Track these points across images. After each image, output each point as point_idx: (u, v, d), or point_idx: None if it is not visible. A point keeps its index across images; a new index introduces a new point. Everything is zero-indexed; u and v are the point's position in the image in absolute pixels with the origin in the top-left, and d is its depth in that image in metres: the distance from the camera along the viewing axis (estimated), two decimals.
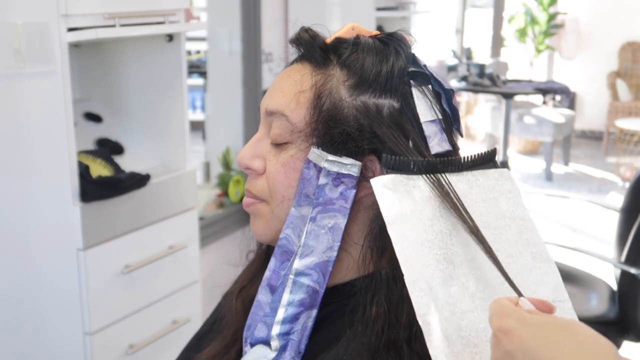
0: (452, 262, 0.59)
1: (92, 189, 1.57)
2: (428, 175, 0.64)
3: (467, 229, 0.60)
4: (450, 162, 0.65)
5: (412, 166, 0.63)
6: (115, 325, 1.69)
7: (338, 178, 0.69)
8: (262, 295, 0.74)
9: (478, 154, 0.66)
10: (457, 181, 0.64)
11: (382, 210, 0.60)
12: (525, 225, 0.63)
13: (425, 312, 0.56)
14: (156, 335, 1.81)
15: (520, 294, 0.54)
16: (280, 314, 0.70)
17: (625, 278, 2.00)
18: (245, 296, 0.83)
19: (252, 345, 0.72)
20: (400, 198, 0.61)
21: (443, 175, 0.64)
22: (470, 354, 0.55)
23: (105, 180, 1.62)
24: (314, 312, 0.70)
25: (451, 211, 0.61)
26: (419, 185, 0.63)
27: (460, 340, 0.55)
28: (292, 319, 0.70)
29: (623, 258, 2.01)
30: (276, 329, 0.70)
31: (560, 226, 4.49)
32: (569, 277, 2.28)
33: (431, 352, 0.55)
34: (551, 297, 0.59)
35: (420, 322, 0.55)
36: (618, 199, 4.76)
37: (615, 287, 2.15)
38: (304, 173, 0.70)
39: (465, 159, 0.66)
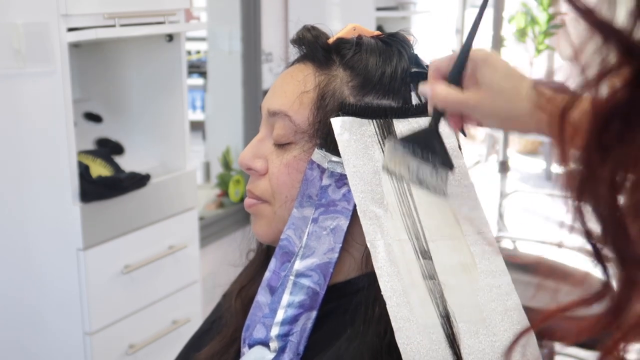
0: (394, 200, 0.67)
1: (92, 189, 1.57)
2: (377, 120, 0.70)
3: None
4: (398, 109, 0.71)
5: (364, 111, 0.70)
6: (115, 325, 1.69)
7: (341, 179, 0.69)
8: (262, 296, 0.73)
9: (423, 103, 0.73)
10: (402, 126, 0.70)
11: (339, 147, 0.68)
12: (454, 155, 0.70)
13: (373, 238, 0.65)
14: (156, 335, 1.81)
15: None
16: (280, 315, 0.69)
17: None
18: (244, 296, 0.83)
19: (250, 346, 0.72)
20: (356, 139, 0.68)
21: (390, 120, 0.70)
22: (407, 271, 0.64)
23: (105, 180, 1.62)
24: (314, 314, 0.70)
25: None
26: (370, 129, 0.70)
27: (399, 261, 0.64)
28: (292, 321, 0.69)
29: None
30: (275, 330, 0.69)
31: (560, 226, 4.48)
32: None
33: (377, 271, 0.64)
34: (467, 214, 0.69)
35: (368, 246, 0.64)
36: None
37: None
38: (307, 174, 0.70)
39: (411, 107, 0.72)
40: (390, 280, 0.63)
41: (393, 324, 0.61)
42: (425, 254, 0.65)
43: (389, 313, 0.62)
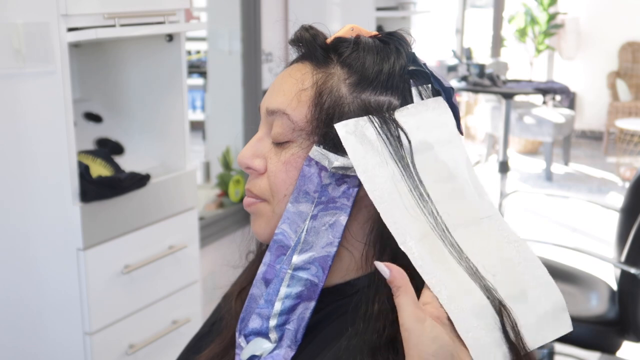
0: (409, 193, 0.68)
1: (92, 189, 1.57)
2: (372, 117, 0.69)
3: (401, 169, 0.68)
4: (395, 105, 0.71)
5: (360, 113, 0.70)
6: (115, 325, 1.69)
7: (342, 178, 0.69)
8: (257, 289, 0.74)
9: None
10: (402, 116, 0.70)
11: (348, 153, 0.67)
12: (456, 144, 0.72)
13: (403, 240, 0.65)
14: (156, 335, 1.81)
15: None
16: (278, 306, 0.70)
17: (625, 278, 2.00)
18: (244, 298, 0.83)
19: (246, 336, 0.73)
20: (362, 141, 0.68)
21: (389, 113, 0.70)
22: (444, 261, 0.65)
23: (105, 180, 1.62)
24: (312, 304, 0.71)
25: (391, 152, 0.69)
26: (368, 126, 0.69)
27: (432, 255, 0.65)
28: (289, 311, 0.70)
29: (623, 258, 2.01)
30: (273, 322, 0.70)
31: (560, 226, 4.49)
32: (569, 277, 2.28)
33: (419, 270, 0.64)
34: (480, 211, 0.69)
35: (402, 249, 0.64)
36: (618, 199, 4.76)
37: (615, 287, 2.15)
38: (305, 170, 0.71)
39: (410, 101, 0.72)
40: (435, 274, 0.64)
41: (451, 316, 0.62)
42: (452, 244, 0.66)
43: (444, 306, 0.62)
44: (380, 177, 0.67)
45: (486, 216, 0.69)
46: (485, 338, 0.61)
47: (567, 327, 0.67)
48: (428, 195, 0.68)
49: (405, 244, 0.65)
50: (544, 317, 0.65)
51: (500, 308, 0.63)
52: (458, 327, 0.61)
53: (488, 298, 0.63)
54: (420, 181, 0.68)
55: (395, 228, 0.65)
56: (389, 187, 0.67)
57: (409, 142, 0.69)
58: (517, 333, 0.63)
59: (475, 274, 0.65)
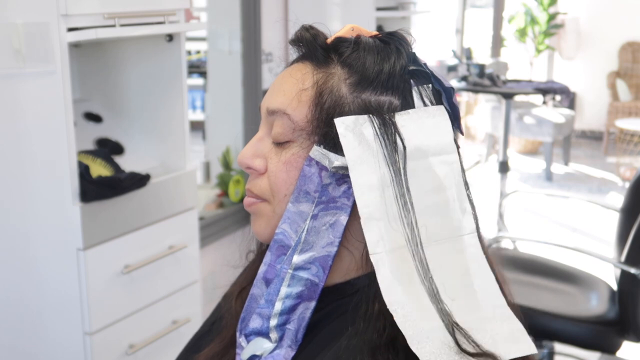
0: (394, 200, 0.67)
1: (92, 189, 1.57)
2: (373, 116, 0.69)
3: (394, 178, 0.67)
4: (396, 106, 0.70)
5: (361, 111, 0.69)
6: (115, 325, 1.69)
7: (342, 178, 0.69)
8: (257, 289, 0.74)
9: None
10: (403, 120, 0.69)
11: (344, 151, 0.67)
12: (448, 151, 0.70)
13: (374, 250, 0.65)
14: (156, 335, 1.81)
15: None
16: (278, 306, 0.70)
17: (625, 278, 2.00)
18: (244, 297, 0.83)
19: (247, 336, 0.73)
20: (360, 140, 0.67)
21: (390, 115, 0.69)
22: (409, 279, 0.65)
23: (105, 180, 1.62)
24: (312, 304, 0.71)
25: (386, 157, 0.68)
26: (367, 125, 0.68)
27: (398, 272, 0.65)
28: (289, 311, 0.71)
29: (623, 258, 2.01)
30: (274, 321, 0.71)
31: (560, 226, 4.49)
32: (569, 277, 2.28)
33: (380, 285, 0.64)
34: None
35: (372, 259, 0.65)
36: (618, 199, 4.76)
37: (615, 287, 2.15)
38: (305, 170, 0.71)
39: (411, 102, 0.71)
40: (395, 293, 0.64)
41: (404, 333, 0.62)
42: (421, 260, 0.66)
43: (399, 325, 0.62)
44: (371, 181, 0.67)
45: (462, 235, 0.69)
46: (439, 354, 0.62)
47: (530, 349, 0.65)
48: (412, 205, 0.67)
49: (376, 254, 0.65)
50: (503, 339, 0.64)
51: (453, 329, 0.63)
52: (410, 340, 0.61)
53: (443, 321, 0.63)
54: (408, 189, 0.68)
55: (370, 236, 0.65)
56: (376, 192, 0.67)
57: (404, 147, 0.68)
58: (477, 346, 0.62)
59: (435, 296, 0.64)
